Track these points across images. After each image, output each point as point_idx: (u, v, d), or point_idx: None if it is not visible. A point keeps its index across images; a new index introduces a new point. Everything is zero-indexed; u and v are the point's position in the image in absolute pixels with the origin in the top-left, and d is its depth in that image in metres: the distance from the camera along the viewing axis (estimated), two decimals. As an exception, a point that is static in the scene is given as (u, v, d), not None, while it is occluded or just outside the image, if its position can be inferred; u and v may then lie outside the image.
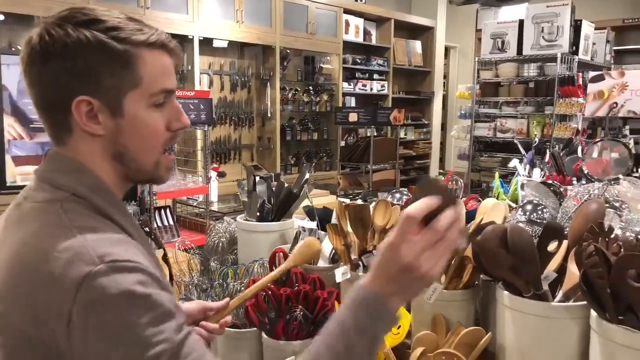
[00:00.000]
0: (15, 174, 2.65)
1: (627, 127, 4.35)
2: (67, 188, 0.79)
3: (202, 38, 4.77)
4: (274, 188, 1.81)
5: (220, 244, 1.77)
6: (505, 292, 1.09)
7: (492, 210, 1.28)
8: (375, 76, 6.79)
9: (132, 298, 0.68)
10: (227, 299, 1.12)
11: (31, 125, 2.60)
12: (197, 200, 3.64)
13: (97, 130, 0.79)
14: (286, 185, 1.81)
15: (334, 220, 1.50)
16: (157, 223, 3.16)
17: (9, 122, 2.48)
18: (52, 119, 0.81)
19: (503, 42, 5.60)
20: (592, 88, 3.84)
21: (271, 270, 1.46)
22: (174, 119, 0.84)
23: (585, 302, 1.01)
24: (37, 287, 0.70)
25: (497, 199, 2.16)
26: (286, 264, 1.23)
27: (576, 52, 5.36)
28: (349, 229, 1.37)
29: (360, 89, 6.54)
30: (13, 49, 3.88)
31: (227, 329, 1.44)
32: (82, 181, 0.80)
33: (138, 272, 0.71)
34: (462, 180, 1.62)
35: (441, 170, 8.00)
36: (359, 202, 1.55)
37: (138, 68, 0.79)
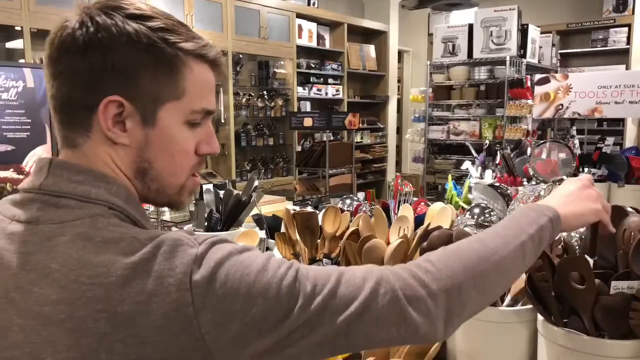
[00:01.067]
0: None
1: (574, 127, 4.50)
2: (100, 201, 0.67)
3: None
4: (221, 196, 1.76)
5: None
6: (454, 298, 1.08)
7: (440, 215, 1.27)
8: (330, 80, 6.80)
9: (240, 252, 0.64)
10: None
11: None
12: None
13: (120, 139, 0.69)
14: (235, 192, 1.77)
15: (282, 229, 1.47)
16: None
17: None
18: (71, 115, 0.69)
19: (454, 46, 5.71)
20: (538, 90, 3.94)
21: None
22: (204, 142, 0.75)
23: (531, 306, 1.01)
24: (128, 301, 0.59)
25: (450, 201, 2.18)
26: None
27: (524, 55, 5.52)
28: (297, 237, 1.33)
29: (315, 93, 6.53)
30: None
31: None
32: (112, 192, 0.68)
33: (228, 242, 0.66)
34: (410, 185, 1.61)
35: (397, 173, 8.08)
36: (309, 209, 1.52)
37: (184, 78, 0.70)
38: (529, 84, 5.25)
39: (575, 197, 0.83)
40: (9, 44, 4.00)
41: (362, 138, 7.26)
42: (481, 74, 5.60)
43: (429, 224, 1.18)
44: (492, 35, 5.40)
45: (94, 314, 0.59)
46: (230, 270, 0.62)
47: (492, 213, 1.34)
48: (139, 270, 0.60)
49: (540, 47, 6.06)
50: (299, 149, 6.03)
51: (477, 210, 1.35)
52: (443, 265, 0.69)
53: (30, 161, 2.72)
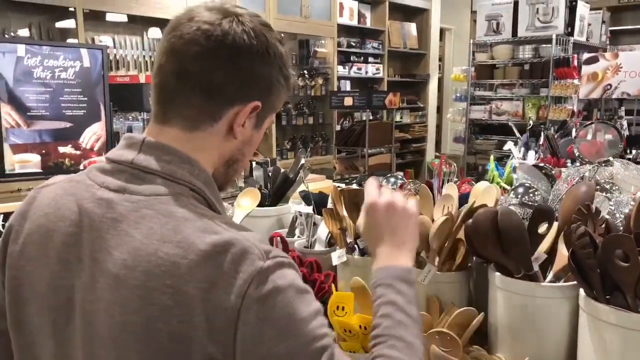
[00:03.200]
0: (14, 161, 2.66)
1: (623, 108, 4.37)
2: (183, 182, 0.75)
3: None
4: (270, 173, 1.83)
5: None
6: (497, 274, 1.12)
7: (484, 194, 1.30)
8: (370, 59, 6.77)
9: (300, 291, 0.70)
10: None
11: (29, 114, 2.60)
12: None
13: (238, 134, 0.79)
14: (282, 170, 1.84)
15: (329, 204, 1.53)
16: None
17: (5, 110, 2.48)
18: (209, 104, 0.76)
19: (498, 24, 5.59)
20: (586, 70, 3.85)
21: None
22: None
23: (574, 283, 1.04)
24: (197, 288, 0.66)
25: (492, 182, 2.19)
26: None
27: (571, 34, 5.36)
28: (344, 213, 1.39)
29: (355, 72, 6.53)
30: (7, 35, 3.86)
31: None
32: (195, 174, 0.76)
33: (294, 268, 0.73)
34: (454, 164, 1.64)
35: (437, 154, 8.02)
36: (354, 186, 1.58)
37: (286, 96, 0.85)
38: (575, 63, 5.11)
39: (412, 244, 0.91)
40: (59, 24, 4.16)
41: (401, 117, 7.23)
42: (526, 52, 5.48)
43: (474, 202, 1.22)
44: (538, 13, 5.26)
45: (163, 287, 0.66)
46: (283, 302, 0.67)
47: (536, 193, 1.37)
48: (210, 260, 0.67)
49: (589, 25, 5.87)
50: (338, 128, 6.06)
51: (521, 190, 1.37)
52: None
53: (86, 137, 2.86)
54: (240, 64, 0.75)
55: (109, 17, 4.32)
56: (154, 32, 4.67)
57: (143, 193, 0.73)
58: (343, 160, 5.84)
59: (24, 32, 3.99)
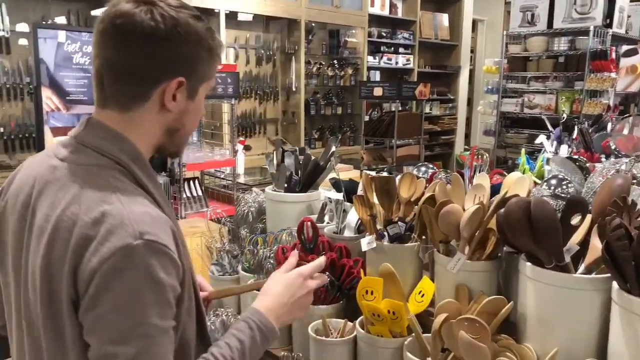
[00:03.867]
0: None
1: (661, 103, 4.25)
2: (111, 155, 0.87)
3: (228, 12, 4.78)
4: (300, 161, 1.85)
5: (250, 214, 1.83)
6: (528, 264, 1.12)
7: (517, 184, 1.30)
8: (401, 50, 6.72)
9: (153, 280, 0.79)
10: (211, 291, 1.26)
11: (67, 98, 2.68)
12: (224, 172, 3.71)
13: (171, 106, 0.89)
14: (313, 158, 1.86)
15: (360, 191, 1.54)
16: (186, 194, 3.24)
17: (46, 94, 2.56)
18: (134, 87, 0.87)
19: (533, 15, 5.48)
20: (624, 62, 3.75)
21: (299, 238, 1.50)
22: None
23: (607, 275, 1.04)
24: (78, 244, 0.80)
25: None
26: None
27: (610, 25, 5.21)
28: (375, 201, 1.40)
29: (385, 62, 6.49)
30: (48, 22, 3.96)
31: (257, 292, 1.51)
32: (123, 150, 0.88)
33: (166, 257, 0.81)
34: (487, 155, 1.63)
35: (466, 147, 7.93)
36: (385, 174, 1.59)
37: (215, 66, 0.94)
38: (613, 55, 4.97)
39: (289, 308, 1.03)
40: (95, 12, 4.25)
41: (431, 109, 7.17)
42: (561, 44, 5.35)
43: (506, 192, 1.22)
44: (575, 4, 5.13)
45: (62, 240, 0.81)
46: (131, 280, 0.78)
47: (569, 185, 1.35)
48: (94, 224, 0.80)
49: (629, 16, 5.70)
50: (366, 118, 6.05)
51: (554, 182, 1.36)
52: None
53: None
54: (152, 47, 0.85)
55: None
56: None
57: (75, 162, 0.87)
58: (371, 151, 5.83)
59: (61, 20, 4.10)
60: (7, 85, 3.85)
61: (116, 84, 0.88)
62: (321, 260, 1.13)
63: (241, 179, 3.76)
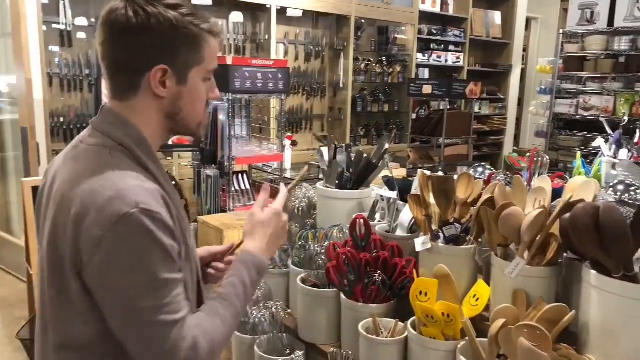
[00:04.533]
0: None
1: None
2: (116, 138, 0.97)
3: (279, 7, 4.81)
4: (352, 157, 1.84)
5: (300, 209, 1.84)
6: (593, 272, 1.08)
7: (581, 189, 1.25)
8: (451, 47, 6.60)
9: (154, 241, 0.88)
10: (232, 242, 1.32)
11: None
12: (271, 167, 3.75)
13: (162, 93, 0.97)
14: (365, 155, 1.84)
15: (415, 190, 1.52)
16: (234, 187, 3.28)
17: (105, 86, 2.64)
18: (125, 79, 0.97)
19: (592, 13, 5.27)
20: (692, 64, 3.56)
21: (351, 235, 1.50)
22: (210, 91, 1.05)
23: (680, 287, 0.99)
24: (78, 214, 0.88)
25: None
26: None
27: (675, 25, 4.96)
28: (432, 200, 1.38)
29: (434, 60, 6.39)
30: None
31: (308, 288, 1.52)
32: (128, 134, 0.98)
33: (161, 223, 0.90)
34: (547, 157, 1.58)
35: (515, 148, 7.72)
36: (440, 174, 1.56)
37: (204, 49, 0.98)
38: (678, 56, 4.73)
39: (272, 242, 1.15)
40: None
41: (480, 108, 7.02)
42: (622, 44, 5.13)
43: (571, 197, 1.17)
44: (638, 2, 4.90)
45: (65, 208, 0.91)
46: (135, 243, 0.87)
47: (637, 191, 1.30)
48: (93, 195, 0.89)
49: (696, 16, 5.40)
50: (413, 116, 5.98)
51: (621, 187, 1.30)
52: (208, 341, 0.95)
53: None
54: (129, 40, 0.93)
55: (194, 0, 4.47)
56: (236, 16, 4.79)
57: (87, 143, 0.99)
58: (417, 149, 5.76)
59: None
60: (68, 77, 4.00)
61: (111, 77, 0.98)
62: (284, 190, 1.25)
63: (287, 174, 3.78)
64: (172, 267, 0.91)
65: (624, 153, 2.50)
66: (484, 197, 1.33)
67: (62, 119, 4.02)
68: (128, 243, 0.87)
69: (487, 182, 1.51)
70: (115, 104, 0.99)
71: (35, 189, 2.55)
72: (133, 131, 0.98)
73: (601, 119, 3.72)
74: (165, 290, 0.89)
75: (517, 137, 8.11)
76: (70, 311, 0.93)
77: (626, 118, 3.24)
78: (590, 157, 3.29)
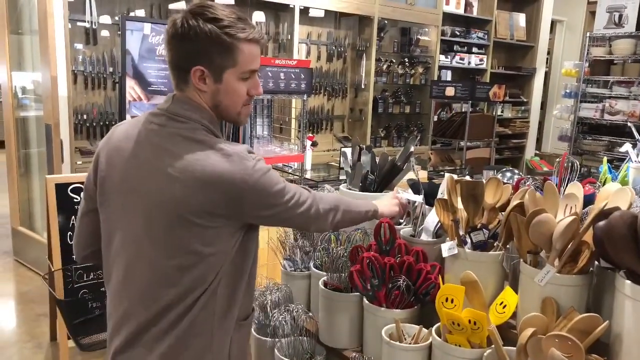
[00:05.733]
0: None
1: None
2: (196, 120, 1.19)
3: (302, 7, 4.80)
4: (377, 160, 1.82)
5: (323, 211, 1.82)
6: (628, 281, 1.05)
7: (616, 196, 1.21)
8: (474, 49, 6.53)
9: (269, 171, 1.18)
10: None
11: (149, 88, 2.77)
12: (291, 167, 3.74)
13: (203, 88, 1.19)
14: (390, 157, 1.82)
15: (442, 194, 1.50)
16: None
17: (130, 84, 2.66)
18: (179, 74, 1.20)
19: (620, 16, 5.17)
20: None
21: (376, 239, 1.48)
22: (252, 88, 1.24)
23: None
24: (218, 181, 1.12)
25: (603, 185, 2.03)
26: None
27: None
28: (459, 205, 1.36)
29: (457, 62, 6.32)
30: (132, 14, 4.13)
31: (330, 291, 1.50)
32: (203, 116, 1.20)
33: (265, 163, 1.19)
34: (577, 162, 1.54)
35: (537, 152, 7.61)
36: (468, 178, 1.53)
37: (237, 55, 1.17)
38: None
39: (388, 203, 1.57)
40: (172, 5, 4.38)
41: (502, 111, 6.92)
42: (651, 48, 5.02)
43: (605, 204, 1.14)
44: (669, 5, 4.79)
45: (191, 175, 1.12)
46: (268, 179, 1.18)
47: (674, 199, 1.25)
48: (225, 159, 1.13)
49: None
50: (435, 118, 5.92)
51: (656, 195, 1.26)
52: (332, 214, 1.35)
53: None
54: (178, 45, 1.17)
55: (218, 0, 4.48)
56: (259, 16, 4.79)
57: (173, 127, 1.19)
58: (438, 152, 5.71)
59: (141, 13, 4.25)
60: (92, 75, 4.05)
61: (171, 72, 1.21)
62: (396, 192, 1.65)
63: (308, 175, 3.77)
64: (283, 180, 1.25)
65: (652, 159, 2.43)
66: (513, 202, 1.30)
67: (85, 117, 4.07)
68: (264, 177, 1.17)
69: (515, 187, 1.47)
70: (180, 95, 1.21)
71: (58, 186, 2.58)
72: (206, 113, 1.21)
73: (629, 123, 3.64)
74: (294, 188, 1.25)
75: (539, 141, 7.99)
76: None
77: (656, 123, 3.16)
78: (615, 162, 3.22)
